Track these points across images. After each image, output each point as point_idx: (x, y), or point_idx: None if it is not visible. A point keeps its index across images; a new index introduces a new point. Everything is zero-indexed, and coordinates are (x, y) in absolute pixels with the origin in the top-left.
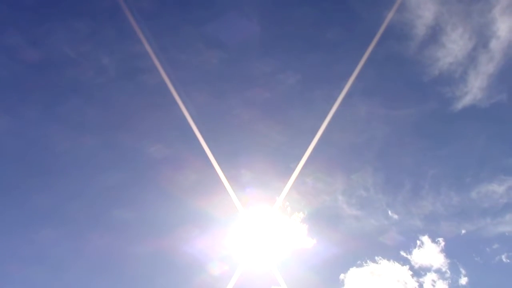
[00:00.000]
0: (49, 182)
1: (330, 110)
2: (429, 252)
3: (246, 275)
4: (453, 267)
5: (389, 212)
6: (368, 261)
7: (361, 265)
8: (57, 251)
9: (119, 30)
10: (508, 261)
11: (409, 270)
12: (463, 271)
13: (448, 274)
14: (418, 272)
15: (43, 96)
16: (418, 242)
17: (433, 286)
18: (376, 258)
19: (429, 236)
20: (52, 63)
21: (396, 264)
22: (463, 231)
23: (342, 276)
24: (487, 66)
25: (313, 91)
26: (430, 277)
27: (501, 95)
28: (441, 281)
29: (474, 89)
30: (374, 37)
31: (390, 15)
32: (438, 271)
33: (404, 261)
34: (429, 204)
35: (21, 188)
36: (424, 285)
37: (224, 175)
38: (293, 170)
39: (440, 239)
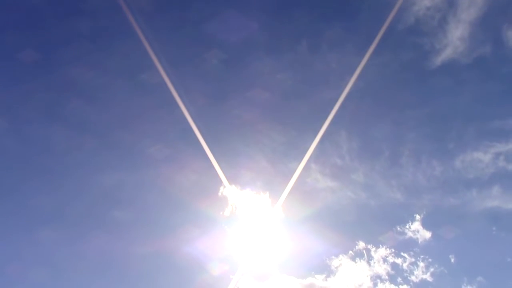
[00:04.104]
0: (49, 182)
1: (331, 111)
2: (413, 228)
3: (246, 275)
4: (437, 243)
5: (367, 184)
6: (349, 244)
7: (344, 252)
8: (57, 252)
9: (119, 30)
10: (503, 234)
11: (390, 249)
12: (448, 248)
13: (433, 250)
14: (400, 250)
15: (43, 96)
16: (400, 217)
17: (417, 263)
18: (356, 239)
19: (412, 211)
20: (52, 63)
21: (379, 245)
22: (447, 205)
23: (328, 262)
24: (468, 11)
25: (313, 91)
26: (414, 254)
27: (484, 48)
28: (426, 257)
29: (455, 40)
30: (376, 36)
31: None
32: (423, 248)
33: (386, 240)
34: (409, 174)
35: (21, 189)
36: (409, 262)
37: (224, 175)
38: (293, 170)
39: (423, 212)
